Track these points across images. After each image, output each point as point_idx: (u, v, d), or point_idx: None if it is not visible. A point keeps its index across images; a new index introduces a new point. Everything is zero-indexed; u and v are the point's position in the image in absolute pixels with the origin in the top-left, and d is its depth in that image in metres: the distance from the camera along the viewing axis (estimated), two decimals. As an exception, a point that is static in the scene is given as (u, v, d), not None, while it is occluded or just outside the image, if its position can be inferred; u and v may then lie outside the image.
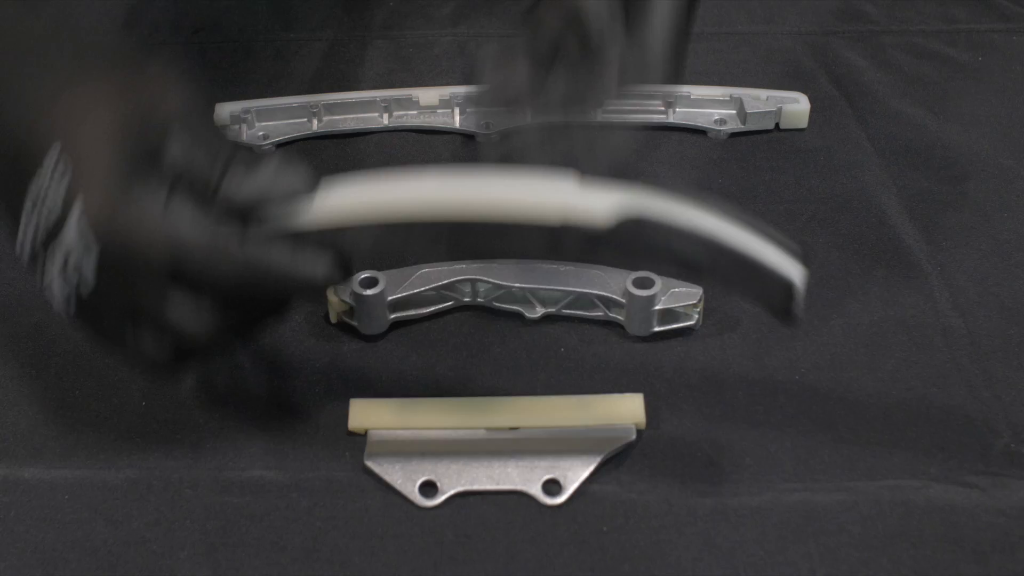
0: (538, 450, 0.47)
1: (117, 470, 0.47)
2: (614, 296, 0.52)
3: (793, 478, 0.47)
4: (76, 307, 0.42)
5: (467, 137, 0.66)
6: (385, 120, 0.67)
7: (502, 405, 0.49)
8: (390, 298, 0.52)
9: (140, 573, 0.44)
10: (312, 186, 0.42)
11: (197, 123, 0.42)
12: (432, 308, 0.54)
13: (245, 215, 0.41)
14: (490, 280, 0.53)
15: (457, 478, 0.46)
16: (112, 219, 0.40)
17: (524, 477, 0.46)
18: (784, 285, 0.40)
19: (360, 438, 0.48)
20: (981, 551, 0.44)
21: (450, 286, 0.53)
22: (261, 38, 0.74)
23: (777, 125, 0.66)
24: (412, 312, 0.54)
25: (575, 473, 0.46)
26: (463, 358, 0.52)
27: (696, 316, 0.53)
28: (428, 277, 0.53)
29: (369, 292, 0.51)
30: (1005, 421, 0.49)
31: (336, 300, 0.52)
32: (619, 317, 0.53)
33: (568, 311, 0.53)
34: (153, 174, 0.40)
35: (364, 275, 0.52)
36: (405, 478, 0.46)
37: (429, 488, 0.46)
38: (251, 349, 0.52)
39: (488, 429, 0.48)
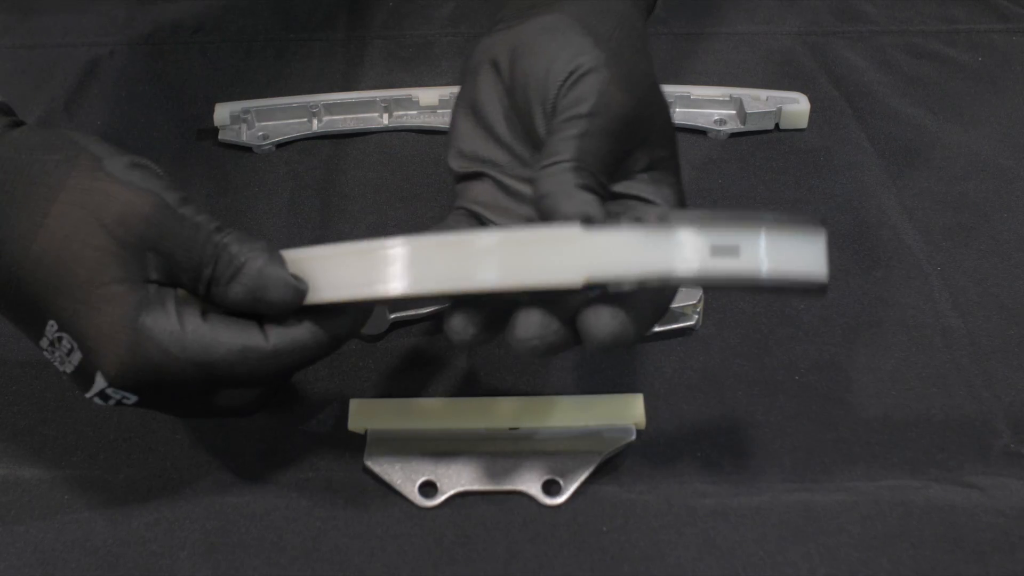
0: (538, 450, 0.47)
1: (117, 470, 0.47)
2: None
3: (793, 478, 0.47)
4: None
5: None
6: (385, 120, 0.67)
7: (502, 405, 0.49)
8: (390, 298, 0.52)
9: (140, 573, 0.44)
10: (297, 284, 0.40)
11: (173, 227, 0.40)
12: (432, 308, 0.54)
13: (252, 308, 0.41)
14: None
15: (457, 478, 0.46)
16: (139, 371, 0.39)
17: (524, 477, 0.46)
18: (818, 284, 0.38)
19: (360, 438, 0.48)
20: (981, 551, 0.44)
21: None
22: (261, 38, 0.74)
23: (777, 125, 0.66)
24: (412, 312, 0.54)
25: (575, 473, 0.46)
26: (463, 358, 0.52)
27: (696, 316, 0.53)
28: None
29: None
30: (1005, 421, 0.49)
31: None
32: (619, 317, 0.53)
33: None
34: (153, 303, 0.39)
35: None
36: (405, 478, 0.46)
37: (429, 488, 0.46)
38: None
39: (488, 429, 0.48)
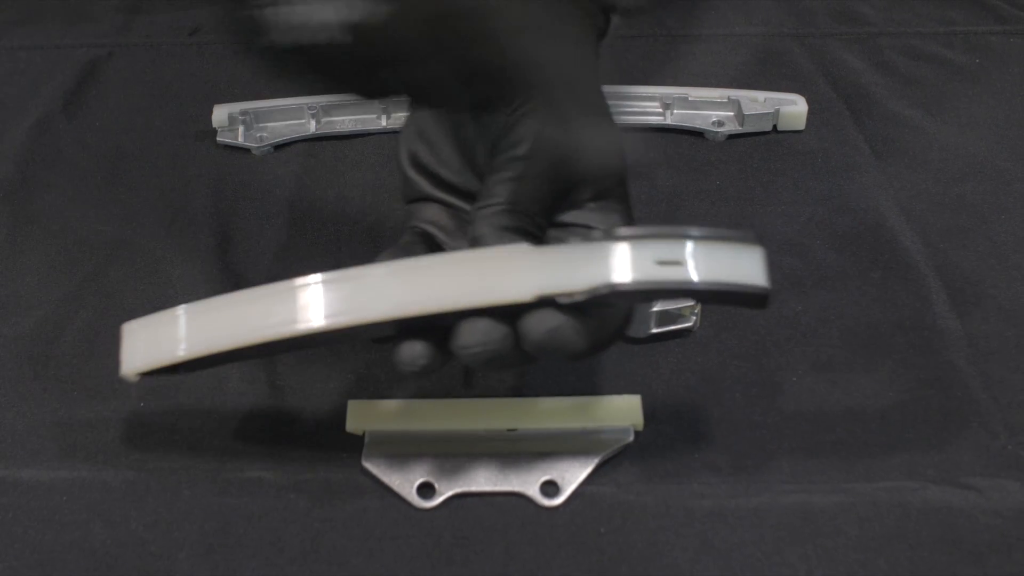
0: (536, 451, 0.47)
1: (115, 471, 0.47)
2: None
3: (790, 480, 0.47)
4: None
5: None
6: (384, 122, 0.67)
7: (500, 406, 0.49)
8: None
9: (138, 574, 0.43)
10: None
11: None
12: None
13: None
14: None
15: (455, 479, 0.46)
16: None
17: (522, 478, 0.46)
18: (758, 291, 0.39)
19: (358, 439, 0.48)
20: (978, 553, 0.44)
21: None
22: (260, 39, 0.74)
23: (775, 127, 0.66)
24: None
25: (573, 474, 0.46)
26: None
27: (694, 318, 0.53)
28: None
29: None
30: (1002, 423, 0.49)
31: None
32: (617, 318, 0.53)
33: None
34: None
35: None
36: (403, 479, 0.46)
37: (427, 489, 0.46)
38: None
39: (486, 430, 0.48)
